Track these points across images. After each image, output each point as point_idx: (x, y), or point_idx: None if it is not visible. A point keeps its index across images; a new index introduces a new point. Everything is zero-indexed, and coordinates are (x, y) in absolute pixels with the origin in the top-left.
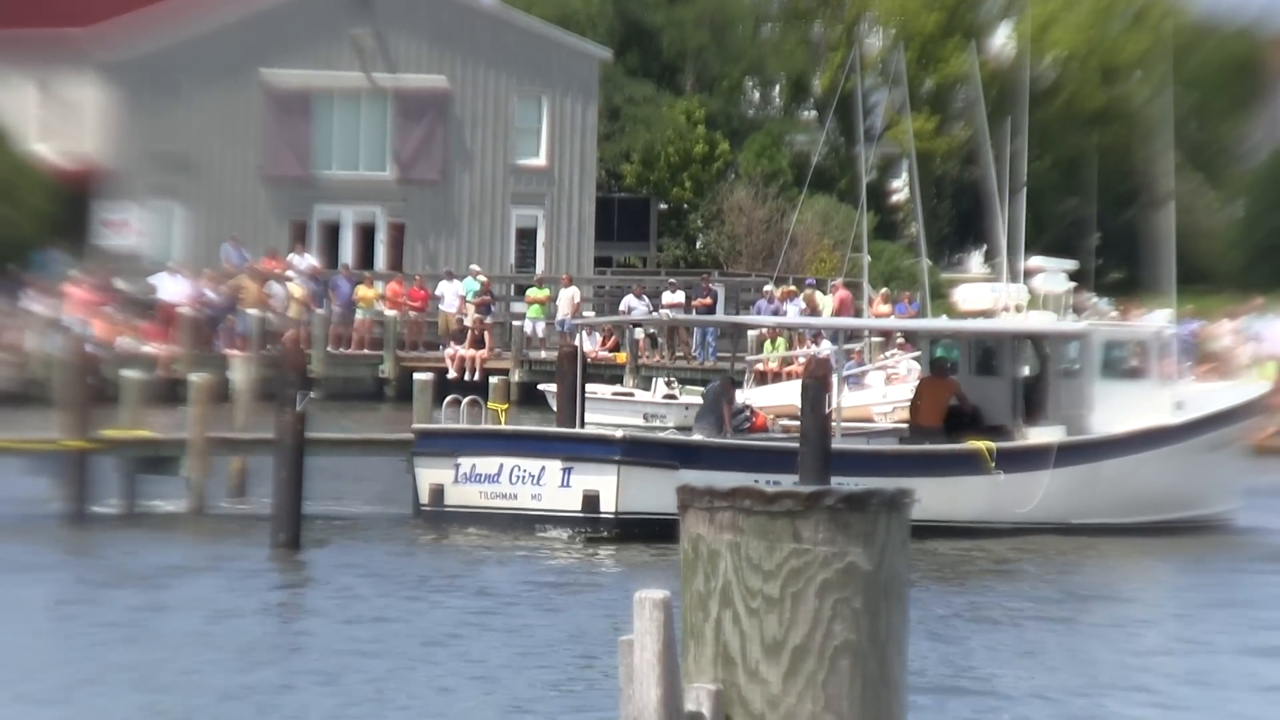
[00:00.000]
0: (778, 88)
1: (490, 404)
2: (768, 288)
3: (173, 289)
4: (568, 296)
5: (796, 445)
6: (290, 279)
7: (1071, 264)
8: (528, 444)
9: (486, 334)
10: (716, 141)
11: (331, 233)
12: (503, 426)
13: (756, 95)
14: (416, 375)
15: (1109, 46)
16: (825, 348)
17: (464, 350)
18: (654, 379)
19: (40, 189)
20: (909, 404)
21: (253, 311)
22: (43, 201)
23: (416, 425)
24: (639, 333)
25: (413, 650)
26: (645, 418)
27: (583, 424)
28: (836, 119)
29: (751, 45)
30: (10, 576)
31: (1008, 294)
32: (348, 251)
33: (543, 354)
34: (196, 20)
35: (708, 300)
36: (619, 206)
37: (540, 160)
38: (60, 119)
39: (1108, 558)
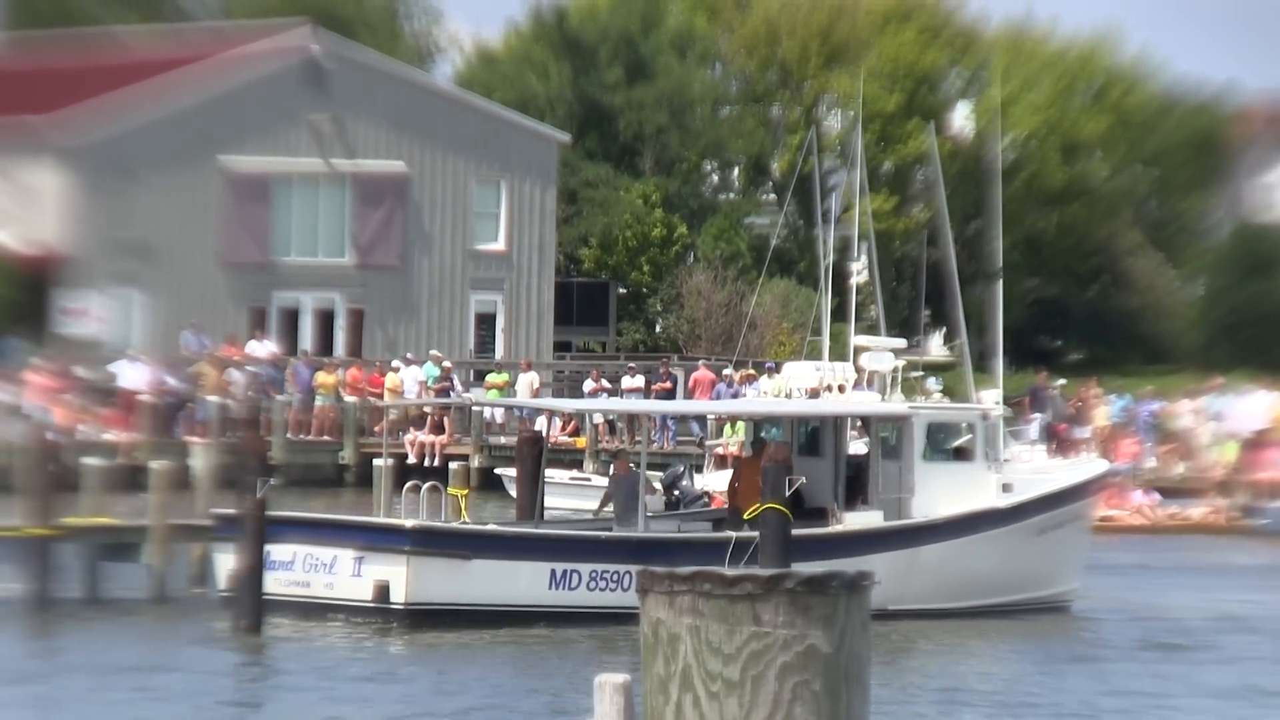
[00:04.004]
0: (736, 170)
1: (450, 489)
2: (727, 371)
3: (133, 376)
4: (527, 381)
5: (595, 532)
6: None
7: (899, 342)
8: (321, 532)
9: (446, 419)
10: (674, 224)
11: (291, 318)
12: (297, 514)
13: (715, 177)
14: (376, 461)
15: (1069, 125)
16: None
17: (424, 435)
18: (611, 464)
19: (2, 278)
20: (728, 486)
21: (213, 398)
22: (2, 288)
23: (214, 510)
24: (598, 417)
25: None
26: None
27: (542, 509)
28: (795, 200)
29: (710, 126)
30: None
31: (833, 373)
32: (307, 337)
33: (503, 439)
34: (155, 106)
35: (668, 384)
36: (578, 290)
37: (499, 245)
38: (19, 206)
39: (925, 643)
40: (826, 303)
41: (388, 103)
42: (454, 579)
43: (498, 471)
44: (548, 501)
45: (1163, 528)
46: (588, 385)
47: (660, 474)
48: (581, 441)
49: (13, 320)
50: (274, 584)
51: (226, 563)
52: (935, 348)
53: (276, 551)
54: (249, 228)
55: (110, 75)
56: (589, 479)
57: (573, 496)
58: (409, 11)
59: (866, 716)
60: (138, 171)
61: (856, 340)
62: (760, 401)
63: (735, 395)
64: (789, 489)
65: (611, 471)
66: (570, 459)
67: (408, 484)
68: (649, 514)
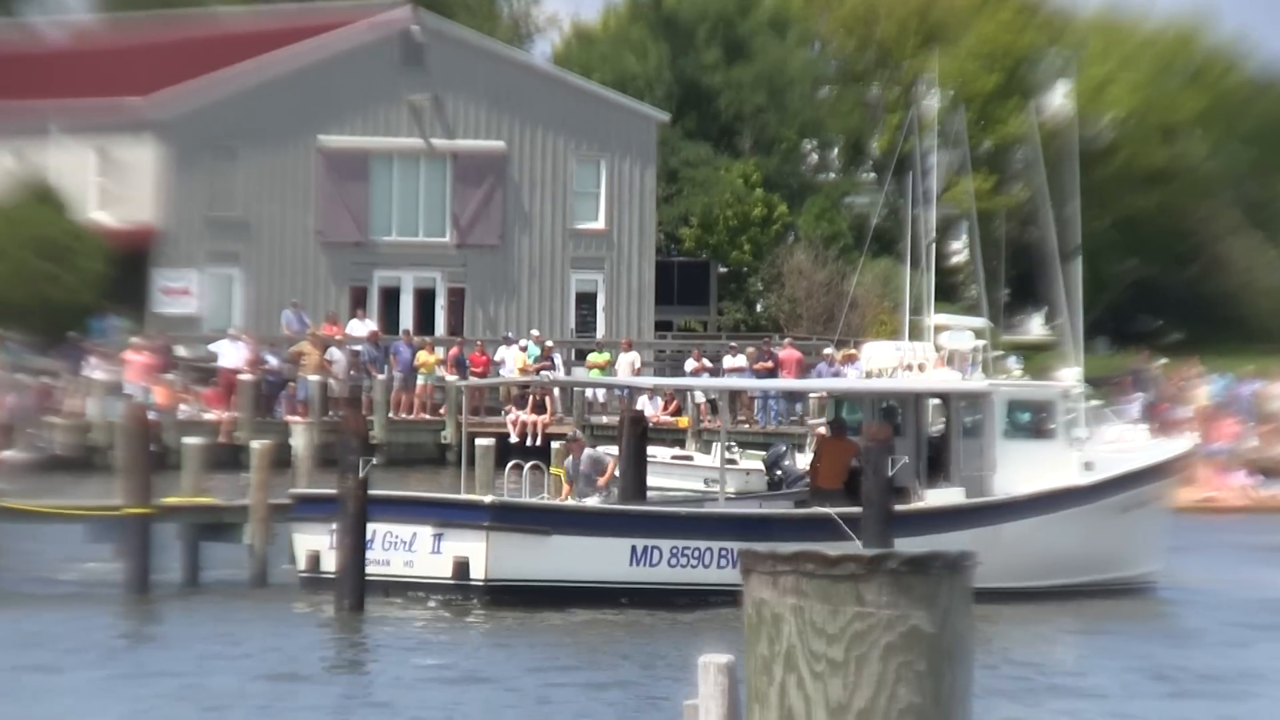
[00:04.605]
0: (835, 149)
1: (552, 469)
2: (828, 350)
3: (233, 355)
4: (628, 361)
5: (674, 508)
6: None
7: (979, 322)
8: (400, 509)
9: (548, 398)
10: (774, 204)
11: (392, 297)
12: (376, 492)
13: (814, 157)
14: (478, 440)
15: (1166, 105)
16: None
17: (525, 415)
18: (714, 443)
19: (99, 256)
20: (809, 465)
21: (313, 378)
22: (102, 268)
23: (293, 490)
24: (699, 396)
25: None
26: (705, 482)
27: (644, 488)
28: (895, 180)
29: (809, 107)
30: (72, 644)
31: (913, 352)
32: (408, 316)
33: (604, 418)
34: (253, 86)
35: (769, 364)
36: (679, 270)
37: (599, 224)
38: (119, 186)
39: (1010, 623)
40: (931, 280)
41: (487, 81)
42: (533, 555)
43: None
44: (650, 481)
45: (1264, 507)
46: (689, 364)
47: (763, 453)
48: (684, 421)
49: (112, 299)
50: None
51: (305, 543)
52: (1036, 327)
53: None
54: (348, 206)
55: (208, 54)
56: (690, 457)
57: (675, 476)
58: None
59: (969, 697)
60: (236, 150)
61: (936, 319)
62: (839, 380)
63: (835, 375)
64: (891, 469)
65: (567, 451)
66: (672, 438)
67: (510, 463)
68: (733, 493)
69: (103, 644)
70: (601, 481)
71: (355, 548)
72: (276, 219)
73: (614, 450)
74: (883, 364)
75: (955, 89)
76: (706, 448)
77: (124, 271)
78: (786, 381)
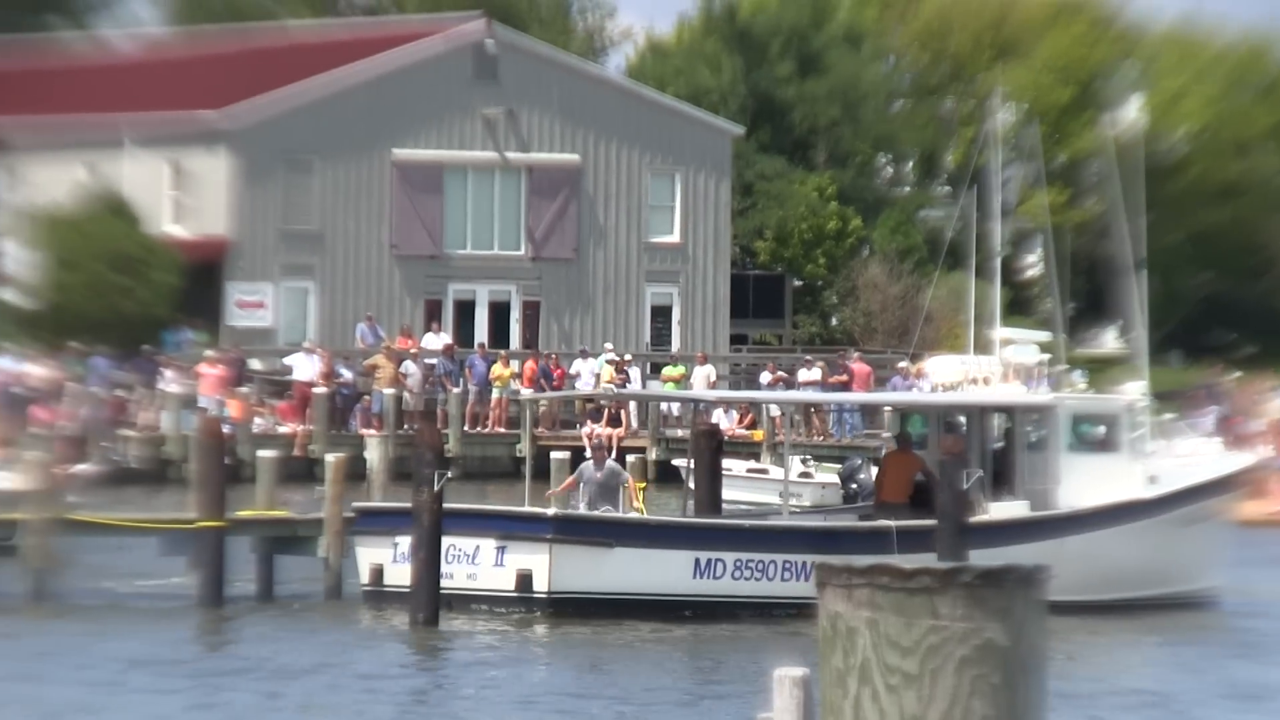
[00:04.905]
0: (910, 163)
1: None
2: (902, 364)
3: (307, 368)
4: (703, 374)
5: (738, 521)
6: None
7: (1043, 335)
8: (463, 522)
9: (623, 412)
10: (849, 217)
11: (466, 311)
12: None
13: (889, 170)
14: (553, 454)
15: (1239, 119)
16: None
17: (600, 428)
18: (790, 457)
19: (172, 269)
20: (874, 479)
21: (388, 391)
22: (175, 281)
23: (356, 504)
24: (775, 409)
25: None
26: (780, 495)
27: (719, 502)
28: (969, 194)
29: (883, 120)
30: (147, 657)
31: (978, 366)
32: (482, 330)
33: (679, 432)
34: (327, 98)
35: (844, 377)
36: (754, 283)
37: (674, 237)
38: (192, 198)
39: (1074, 636)
40: (997, 295)
41: (561, 94)
42: (597, 568)
43: (675, 464)
44: (725, 494)
45: None
46: (764, 378)
47: (838, 466)
48: (759, 434)
49: (185, 312)
50: None
51: (368, 557)
52: (1110, 341)
53: None
54: (422, 219)
55: (281, 66)
56: (766, 470)
57: (750, 489)
58: (582, 6)
59: (1042, 710)
60: (311, 163)
61: (1001, 333)
62: (901, 393)
63: (909, 388)
64: (965, 482)
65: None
66: (747, 451)
67: None
68: (798, 506)
69: (178, 657)
70: (624, 500)
71: (430, 561)
72: (351, 232)
73: (678, 466)
74: (948, 377)
75: (1029, 102)
76: (782, 461)
77: (197, 284)
78: (851, 395)
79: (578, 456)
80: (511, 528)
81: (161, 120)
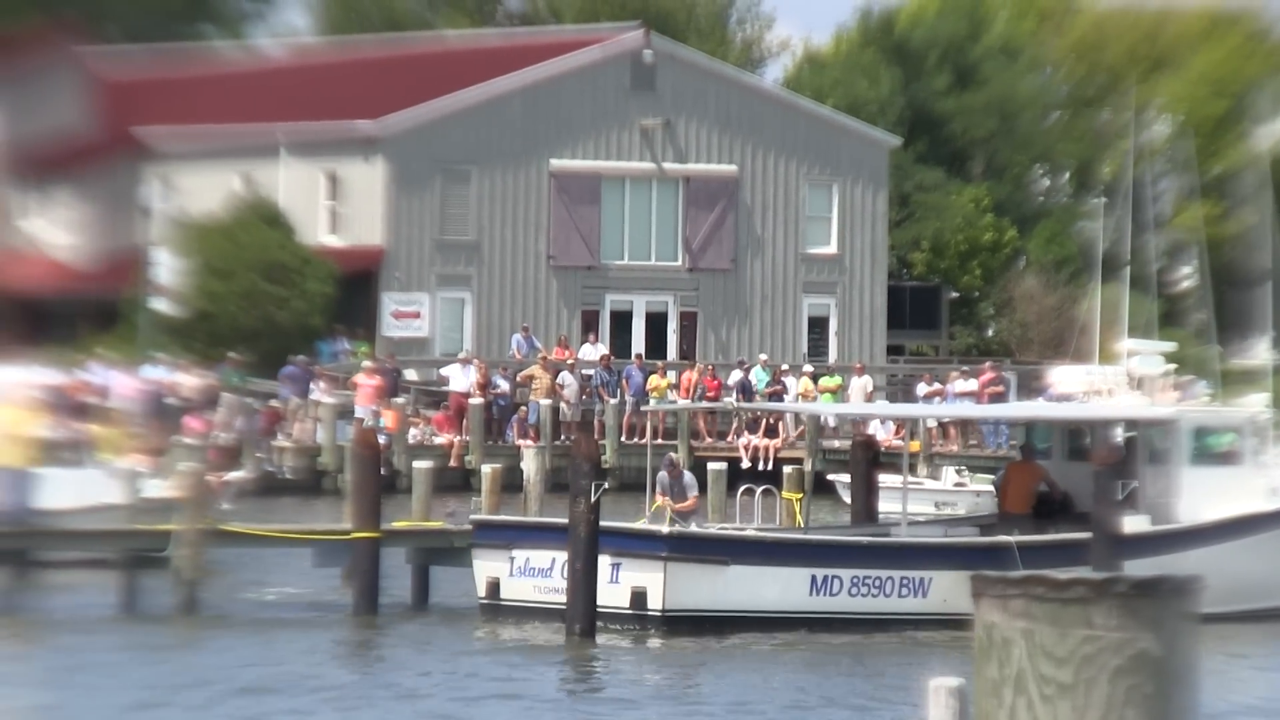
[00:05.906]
0: (1066, 174)
1: (784, 494)
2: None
3: (463, 379)
4: (860, 385)
5: (854, 537)
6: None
7: (1169, 346)
8: None
9: (780, 423)
10: (1004, 229)
11: (622, 321)
12: (553, 520)
13: (1045, 182)
14: (709, 465)
15: None
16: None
17: (757, 439)
18: (944, 467)
19: (327, 279)
20: (997, 490)
21: (544, 401)
22: (330, 291)
23: (474, 516)
24: (930, 421)
25: None
26: (936, 505)
27: (875, 513)
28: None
29: (1039, 132)
30: (301, 668)
31: (1102, 377)
32: (639, 340)
33: (836, 443)
34: (483, 108)
35: (1000, 388)
36: (910, 294)
37: (831, 248)
38: (347, 208)
39: (1207, 647)
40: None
41: (718, 105)
42: (711, 585)
43: (830, 477)
44: (881, 506)
45: None
46: (920, 389)
47: (992, 476)
48: (915, 445)
49: (340, 322)
50: (531, 591)
51: (485, 570)
52: (1261, 352)
53: (535, 558)
54: (579, 230)
55: (436, 75)
56: (921, 483)
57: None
58: (741, 17)
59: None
60: (468, 173)
61: (1126, 344)
62: (1023, 406)
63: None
64: (1122, 492)
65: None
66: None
67: (741, 488)
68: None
69: (336, 668)
70: (682, 507)
71: (587, 573)
72: (508, 242)
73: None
74: (1072, 388)
75: (1183, 115)
76: (937, 472)
77: (351, 294)
78: (967, 408)
79: (733, 467)
80: (626, 545)
81: (318, 129)
